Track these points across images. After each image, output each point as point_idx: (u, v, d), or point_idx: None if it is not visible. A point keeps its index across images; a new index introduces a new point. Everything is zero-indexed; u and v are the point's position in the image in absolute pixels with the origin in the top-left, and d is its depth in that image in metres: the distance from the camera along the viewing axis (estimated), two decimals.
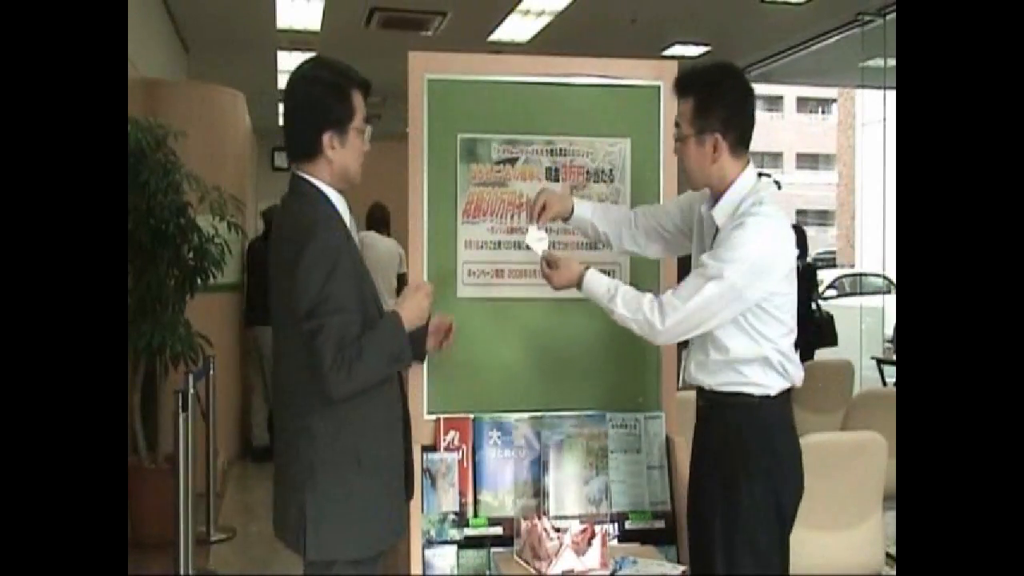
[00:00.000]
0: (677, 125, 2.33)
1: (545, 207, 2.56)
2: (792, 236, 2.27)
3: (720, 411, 2.29)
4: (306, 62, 2.21)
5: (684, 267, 2.63)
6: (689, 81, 2.32)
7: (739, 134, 2.27)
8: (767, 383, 2.24)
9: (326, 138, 2.10)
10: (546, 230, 2.56)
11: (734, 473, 2.24)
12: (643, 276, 2.83)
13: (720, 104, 2.25)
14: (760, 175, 2.35)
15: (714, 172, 2.28)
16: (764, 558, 2.23)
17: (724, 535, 2.25)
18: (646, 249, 2.63)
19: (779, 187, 2.43)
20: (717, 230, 2.28)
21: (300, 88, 2.14)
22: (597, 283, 2.33)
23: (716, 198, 2.30)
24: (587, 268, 2.37)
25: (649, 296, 2.25)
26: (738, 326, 2.22)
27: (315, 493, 2.06)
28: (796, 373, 2.30)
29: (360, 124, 2.15)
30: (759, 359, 2.23)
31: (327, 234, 2.04)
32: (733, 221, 2.22)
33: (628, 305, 2.25)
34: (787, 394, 2.30)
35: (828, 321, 7.23)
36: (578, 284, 2.36)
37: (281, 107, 2.17)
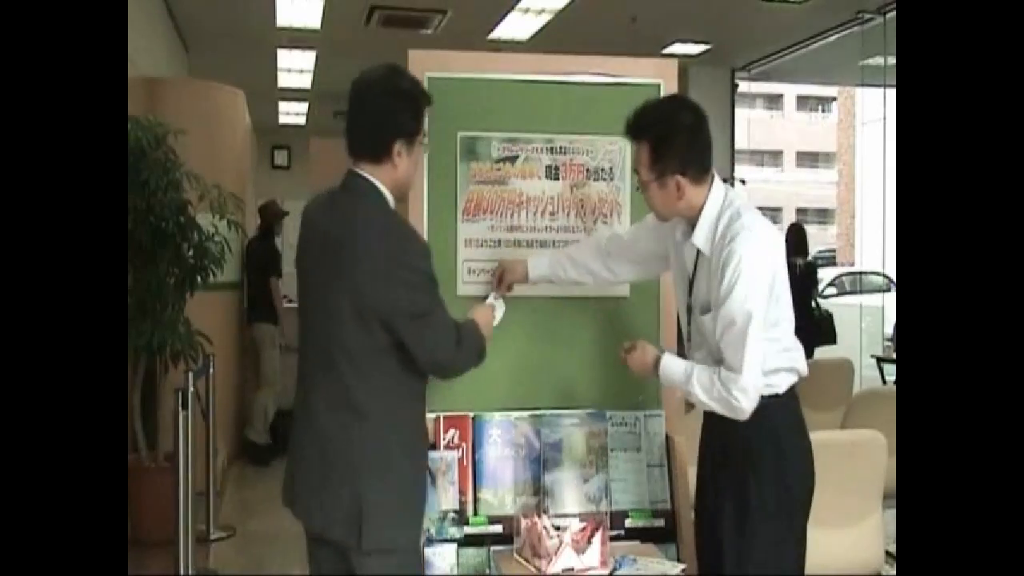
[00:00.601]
0: (636, 171, 2.32)
1: (503, 276, 2.64)
2: (776, 232, 2.28)
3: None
4: (382, 68, 2.26)
5: None
6: (639, 127, 2.29)
7: (698, 164, 2.26)
8: (775, 382, 2.24)
9: (396, 146, 2.19)
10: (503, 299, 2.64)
11: (743, 475, 2.24)
12: (642, 280, 2.83)
13: (675, 144, 2.23)
14: (724, 180, 2.35)
15: (682, 206, 2.28)
16: (775, 559, 2.24)
17: (734, 537, 2.24)
18: (621, 275, 2.65)
19: (743, 183, 2.43)
20: (698, 252, 2.29)
21: (379, 94, 2.20)
22: (673, 368, 2.30)
23: (691, 223, 2.30)
24: (663, 353, 2.36)
25: (716, 372, 2.20)
26: None
27: (371, 483, 2.14)
28: (801, 363, 2.32)
29: (422, 139, 2.28)
30: (769, 365, 2.23)
31: (416, 233, 2.26)
32: (718, 248, 2.20)
33: (703, 385, 2.21)
34: (794, 390, 2.30)
35: (827, 319, 7.26)
36: (654, 369, 2.34)
37: (347, 104, 2.23)
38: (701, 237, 2.27)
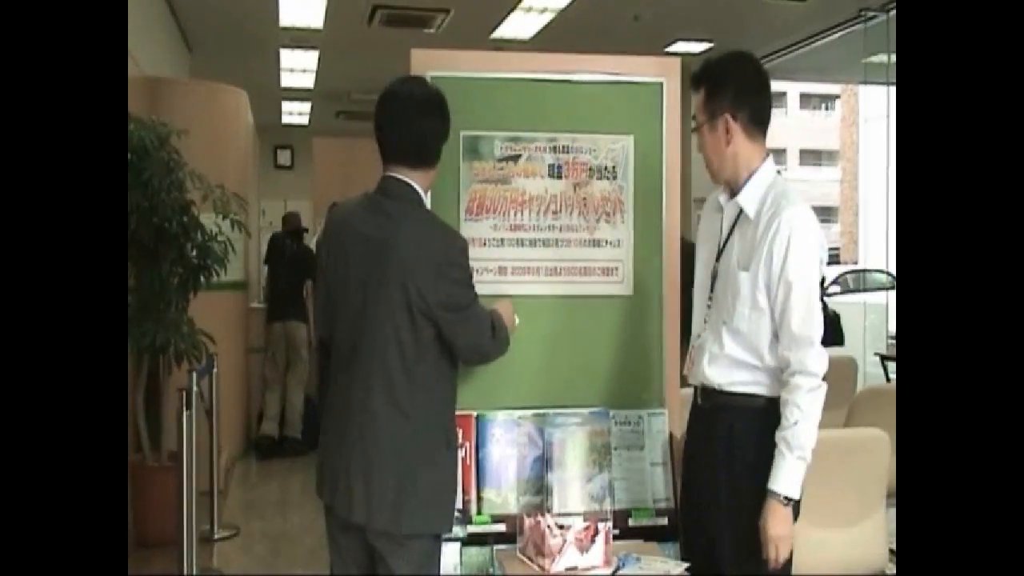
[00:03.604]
0: (694, 118, 2.37)
1: None
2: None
3: (727, 413, 2.29)
4: (412, 81, 2.47)
5: (686, 258, 2.63)
6: (701, 73, 2.36)
7: (750, 113, 2.28)
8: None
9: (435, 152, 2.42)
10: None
11: (743, 476, 2.24)
12: (644, 273, 2.83)
13: (728, 87, 2.29)
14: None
15: (729, 157, 2.29)
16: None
17: (733, 540, 2.24)
18: None
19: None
20: (740, 213, 2.29)
21: (423, 108, 2.37)
22: (788, 470, 2.15)
23: (736, 190, 2.30)
24: (773, 497, 2.17)
25: (794, 396, 2.16)
26: (758, 309, 2.23)
27: (412, 471, 2.27)
28: None
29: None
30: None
31: (456, 231, 2.49)
32: (767, 215, 2.21)
33: (808, 421, 2.14)
34: None
35: (834, 320, 7.21)
36: (788, 505, 2.18)
37: (402, 112, 2.38)
38: (748, 197, 2.28)
